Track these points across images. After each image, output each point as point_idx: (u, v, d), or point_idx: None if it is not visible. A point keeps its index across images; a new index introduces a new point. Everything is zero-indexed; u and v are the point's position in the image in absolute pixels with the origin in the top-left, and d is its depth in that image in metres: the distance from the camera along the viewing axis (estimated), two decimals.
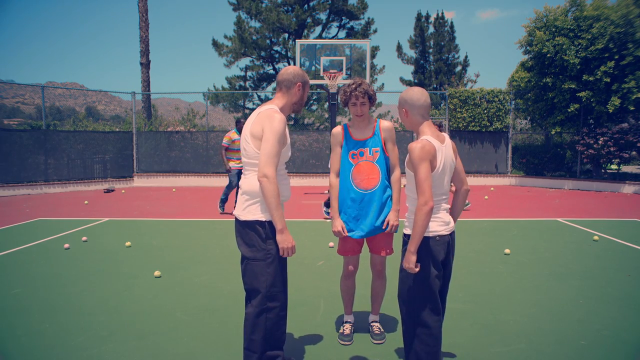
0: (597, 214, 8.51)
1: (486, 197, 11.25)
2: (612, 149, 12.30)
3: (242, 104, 24.28)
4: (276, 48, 24.06)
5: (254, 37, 23.09)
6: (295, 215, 8.42)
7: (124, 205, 10.15)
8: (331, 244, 5.91)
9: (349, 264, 3.11)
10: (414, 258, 2.24)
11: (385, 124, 2.98)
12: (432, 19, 29.07)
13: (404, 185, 2.55)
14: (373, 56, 23.99)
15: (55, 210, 9.28)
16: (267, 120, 2.36)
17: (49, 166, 13.22)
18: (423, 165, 2.19)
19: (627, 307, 3.66)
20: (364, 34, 23.90)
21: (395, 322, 3.40)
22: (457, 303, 3.76)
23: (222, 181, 14.49)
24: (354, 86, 2.88)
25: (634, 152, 12.82)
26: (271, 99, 2.64)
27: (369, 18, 24.18)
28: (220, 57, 23.53)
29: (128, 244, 5.92)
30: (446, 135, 2.43)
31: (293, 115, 21.70)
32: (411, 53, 29.76)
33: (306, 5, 23.30)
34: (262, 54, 23.66)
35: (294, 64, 17.96)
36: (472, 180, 14.69)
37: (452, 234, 2.42)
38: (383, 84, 65.89)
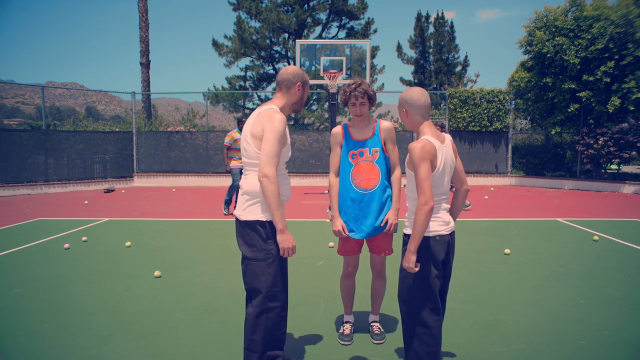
0: (597, 214, 8.51)
1: (486, 197, 11.25)
2: (612, 149, 12.30)
3: (242, 104, 24.28)
4: (276, 48, 24.06)
5: (254, 37, 23.09)
6: (295, 215, 8.42)
7: (124, 205, 10.15)
8: (331, 244, 5.91)
9: (349, 264, 3.11)
10: (414, 258, 2.24)
11: (385, 124, 2.98)
12: (432, 19, 29.09)
13: (404, 185, 2.55)
14: (373, 56, 24.00)
15: (55, 210, 9.28)
16: (267, 120, 2.36)
17: (49, 166, 13.22)
18: (423, 165, 2.19)
19: (627, 307, 3.66)
20: (364, 34, 23.90)
21: (395, 322, 3.40)
22: (457, 303, 3.76)
23: (222, 181, 14.50)
24: (353, 86, 2.88)
25: (634, 152, 12.82)
26: (271, 99, 2.64)
27: (369, 18, 24.22)
28: (220, 57, 23.54)
29: (128, 244, 5.92)
30: (446, 136, 2.43)
31: (293, 115, 21.71)
32: (411, 53, 29.80)
33: (306, 5, 23.30)
34: (262, 54, 23.66)
35: (294, 64, 17.96)
36: (472, 180, 14.69)
37: (452, 234, 2.42)
38: (383, 84, 65.90)
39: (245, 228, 2.44)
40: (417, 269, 2.26)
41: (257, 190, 2.38)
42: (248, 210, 2.42)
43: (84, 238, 6.24)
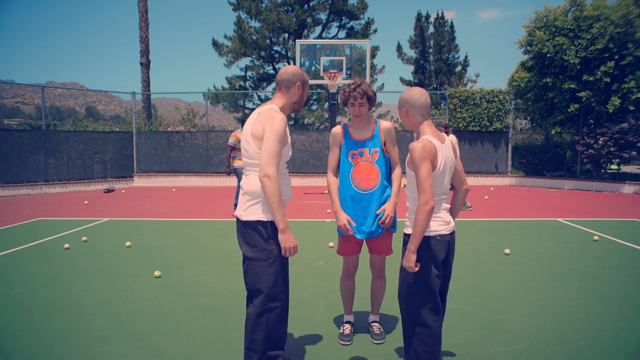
0: (597, 214, 8.51)
1: (486, 197, 11.25)
2: (612, 149, 12.30)
3: (242, 104, 24.29)
4: (276, 48, 24.07)
5: (254, 37, 23.10)
6: (295, 215, 8.42)
7: (124, 205, 10.15)
8: (331, 244, 5.91)
9: (349, 264, 3.11)
10: (414, 257, 2.24)
11: (384, 124, 2.98)
12: (432, 19, 29.11)
13: (404, 185, 2.55)
14: (373, 56, 24.00)
15: (55, 210, 9.28)
16: (267, 120, 2.36)
17: (49, 166, 13.22)
18: (424, 164, 2.19)
19: (627, 307, 3.66)
20: (364, 34, 23.91)
21: (395, 322, 3.40)
22: (457, 303, 3.76)
23: (222, 181, 14.50)
24: (353, 86, 2.88)
25: (634, 152, 12.82)
26: (271, 98, 2.64)
27: (369, 18, 24.23)
28: (220, 57, 23.56)
29: (128, 244, 5.92)
30: (446, 136, 2.43)
31: (293, 115, 21.72)
32: (411, 53, 29.81)
33: (306, 5, 23.31)
34: (262, 54, 23.67)
35: (294, 64, 17.96)
36: (472, 180, 14.70)
37: (452, 234, 2.42)
38: (383, 84, 65.96)
39: (246, 228, 2.43)
40: (417, 269, 2.26)
41: (258, 190, 2.38)
42: (249, 210, 2.42)
43: (84, 238, 6.24)
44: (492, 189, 13.35)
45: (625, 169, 15.88)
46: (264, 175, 2.29)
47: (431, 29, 29.03)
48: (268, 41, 23.51)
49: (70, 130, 15.46)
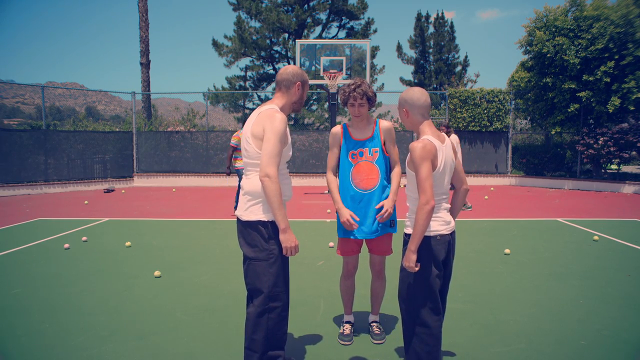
0: (597, 214, 8.51)
1: (486, 197, 11.25)
2: (612, 149, 12.30)
3: (242, 104, 24.29)
4: (276, 48, 24.07)
5: (254, 37, 23.10)
6: (295, 215, 8.42)
7: (124, 205, 10.15)
8: (331, 244, 5.91)
9: (349, 264, 3.11)
10: (414, 257, 2.24)
11: (384, 124, 2.98)
12: (432, 19, 29.12)
13: (404, 185, 2.56)
14: (373, 56, 24.00)
15: (55, 210, 9.28)
16: (268, 120, 2.36)
17: (49, 166, 13.22)
18: (424, 164, 2.19)
19: (627, 307, 3.66)
20: (364, 34, 23.91)
21: (395, 322, 3.41)
22: (457, 303, 3.76)
23: (222, 181, 14.50)
24: (353, 87, 2.88)
25: (634, 152, 12.82)
26: (271, 98, 2.64)
27: (369, 18, 24.23)
28: (220, 57, 23.56)
29: (128, 244, 5.92)
30: (447, 137, 2.43)
31: (293, 115, 21.72)
32: (411, 53, 29.82)
33: (306, 5, 23.31)
34: (262, 54, 23.67)
35: (294, 64, 17.96)
36: (472, 180, 14.70)
37: (452, 234, 2.42)
38: (383, 84, 65.97)
39: (247, 228, 2.43)
40: (417, 269, 2.26)
41: (259, 190, 2.38)
42: (250, 210, 2.42)
43: (84, 238, 6.24)
44: (492, 189, 13.35)
45: (625, 169, 15.89)
46: (264, 175, 2.29)
47: (431, 29, 29.04)
48: (268, 41, 23.51)
49: (70, 130, 15.46)
